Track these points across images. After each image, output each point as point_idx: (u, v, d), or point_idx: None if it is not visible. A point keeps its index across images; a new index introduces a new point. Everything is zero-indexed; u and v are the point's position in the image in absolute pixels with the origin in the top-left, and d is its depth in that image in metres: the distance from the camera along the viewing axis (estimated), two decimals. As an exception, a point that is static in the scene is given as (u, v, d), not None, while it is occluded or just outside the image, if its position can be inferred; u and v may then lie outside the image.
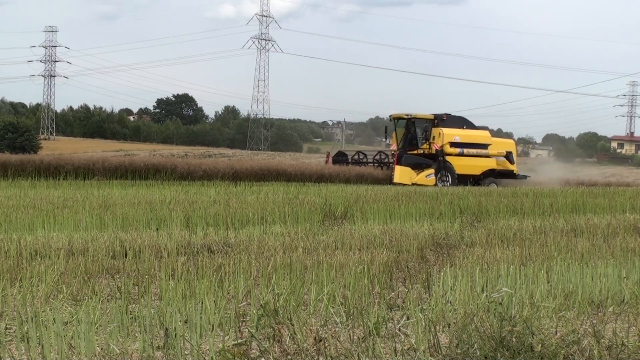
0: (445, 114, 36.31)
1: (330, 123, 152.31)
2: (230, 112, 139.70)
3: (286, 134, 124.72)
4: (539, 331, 4.87)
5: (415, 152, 35.34)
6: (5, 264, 7.49)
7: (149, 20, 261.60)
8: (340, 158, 37.12)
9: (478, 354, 4.62)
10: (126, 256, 8.56)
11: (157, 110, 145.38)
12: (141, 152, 76.53)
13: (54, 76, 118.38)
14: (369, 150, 39.96)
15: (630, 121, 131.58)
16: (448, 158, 35.11)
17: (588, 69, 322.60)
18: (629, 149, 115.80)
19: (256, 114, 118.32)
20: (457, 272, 6.87)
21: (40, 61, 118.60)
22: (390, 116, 37.15)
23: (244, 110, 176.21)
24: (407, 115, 36.05)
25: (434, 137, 35.55)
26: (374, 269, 7.44)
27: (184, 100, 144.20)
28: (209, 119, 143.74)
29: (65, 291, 6.37)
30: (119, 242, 9.13)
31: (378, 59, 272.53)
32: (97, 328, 5.08)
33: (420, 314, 5.23)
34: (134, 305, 5.91)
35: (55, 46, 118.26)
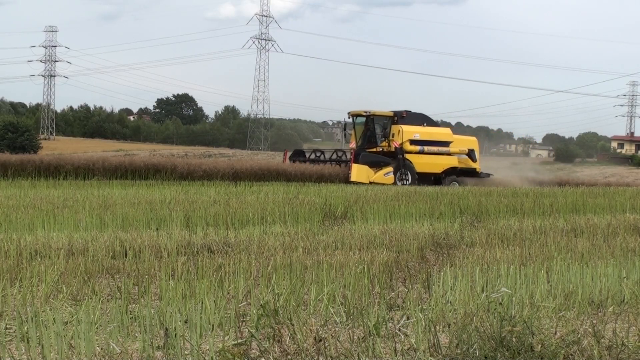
0: (405, 111, 35.48)
1: (330, 123, 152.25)
2: (230, 112, 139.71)
3: (286, 134, 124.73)
4: (539, 331, 4.87)
5: (374, 150, 34.53)
6: (5, 264, 7.49)
7: (149, 20, 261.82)
8: (298, 157, 36.29)
9: (478, 354, 4.62)
10: (126, 256, 8.56)
11: (157, 110, 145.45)
12: (141, 152, 76.56)
13: (54, 76, 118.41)
14: (327, 148, 39.05)
15: (630, 121, 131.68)
16: (408, 156, 34.34)
17: (588, 69, 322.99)
18: (629, 149, 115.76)
19: (256, 114, 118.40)
20: (457, 272, 6.87)
21: (40, 61, 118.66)
22: (348, 113, 36.34)
23: (244, 110, 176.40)
24: (366, 112, 35.19)
25: (393, 135, 34.80)
26: (374, 269, 7.44)
27: (184, 100, 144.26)
28: (209, 119, 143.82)
29: (65, 291, 6.36)
30: (119, 242, 9.13)
31: (378, 59, 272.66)
32: (97, 328, 5.08)
33: (420, 314, 5.23)
34: (134, 305, 5.91)
35: (55, 46, 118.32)
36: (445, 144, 35.69)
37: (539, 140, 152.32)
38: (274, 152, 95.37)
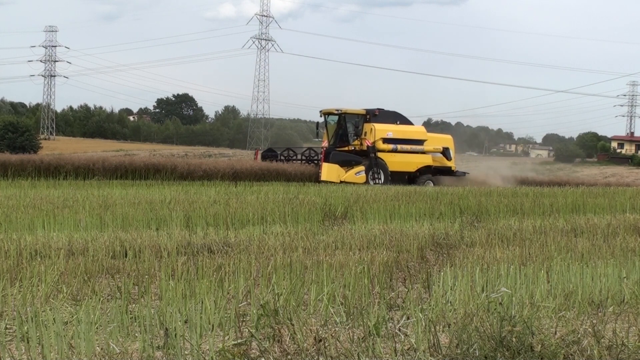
0: (378, 109, 34.99)
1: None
2: (230, 112, 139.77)
3: (286, 134, 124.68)
4: (539, 331, 4.87)
5: (346, 148, 34.05)
6: (5, 264, 7.49)
7: (149, 20, 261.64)
8: (269, 155, 35.75)
9: (478, 354, 4.62)
10: (126, 256, 8.56)
11: (157, 110, 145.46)
12: (141, 152, 76.60)
13: (54, 76, 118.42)
14: (298, 147, 38.32)
15: (630, 121, 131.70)
16: (381, 155, 33.76)
17: (588, 69, 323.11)
18: (629, 149, 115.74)
19: (256, 114, 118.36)
20: (457, 272, 6.87)
21: (40, 61, 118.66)
22: (320, 112, 35.89)
23: (244, 110, 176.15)
24: (337, 110, 34.66)
25: (365, 133, 34.21)
26: (374, 269, 7.44)
27: (184, 100, 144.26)
28: (209, 119, 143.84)
29: (65, 291, 6.36)
30: (119, 242, 9.13)
31: (378, 59, 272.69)
32: (97, 328, 5.08)
33: (420, 314, 5.23)
34: (134, 305, 5.91)
35: (55, 46, 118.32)
36: (419, 142, 35.19)
37: (539, 140, 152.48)
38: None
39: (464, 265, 7.81)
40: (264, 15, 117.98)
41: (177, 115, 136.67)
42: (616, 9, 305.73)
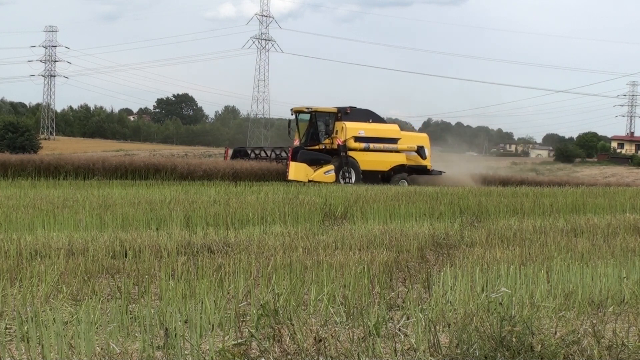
0: (350, 107, 34.44)
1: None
2: (230, 112, 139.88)
3: (286, 134, 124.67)
4: (539, 331, 4.87)
5: (317, 147, 33.49)
6: (5, 264, 7.49)
7: (149, 20, 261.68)
8: (240, 154, 35.31)
9: (478, 354, 4.62)
10: (126, 256, 8.56)
11: (157, 110, 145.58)
12: (141, 152, 76.64)
13: (54, 76, 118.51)
14: (269, 146, 37.19)
15: (630, 121, 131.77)
16: (353, 153, 33.32)
17: (588, 69, 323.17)
18: (629, 149, 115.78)
19: (256, 114, 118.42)
20: (457, 272, 6.87)
21: (40, 61, 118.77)
22: (291, 110, 35.51)
23: (244, 110, 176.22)
24: (308, 108, 34.25)
25: (337, 132, 33.80)
26: (374, 269, 7.44)
27: (184, 100, 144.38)
28: (209, 119, 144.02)
29: (65, 291, 6.37)
30: (119, 242, 9.13)
31: (378, 59, 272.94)
32: (97, 328, 5.08)
33: (420, 314, 5.23)
34: (134, 305, 5.91)
35: (55, 46, 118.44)
36: (393, 140, 34.70)
37: (539, 140, 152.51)
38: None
39: (464, 265, 7.81)
40: (264, 15, 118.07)
41: (177, 115, 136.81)
42: (616, 9, 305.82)
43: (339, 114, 34.08)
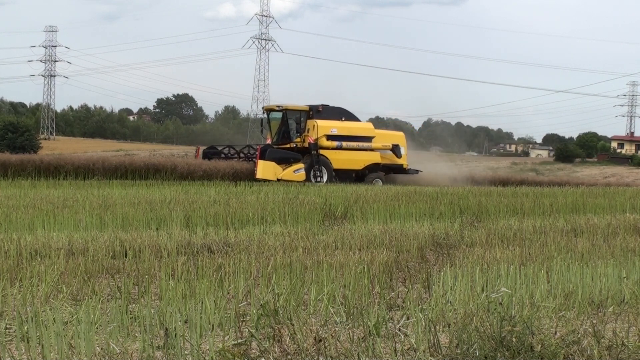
0: (322, 105, 33.88)
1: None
2: (230, 112, 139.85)
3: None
4: (539, 331, 4.87)
5: (288, 145, 32.97)
6: (5, 264, 7.49)
7: (149, 20, 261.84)
8: (211, 153, 34.55)
9: (478, 354, 4.62)
10: (126, 256, 8.56)
11: (157, 110, 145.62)
12: (141, 152, 76.59)
13: (54, 76, 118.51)
14: (239, 144, 37.56)
15: (630, 121, 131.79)
16: (325, 152, 32.72)
17: (588, 69, 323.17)
18: (629, 149, 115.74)
19: (256, 114, 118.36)
20: (457, 272, 6.87)
21: (40, 61, 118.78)
22: (263, 108, 34.77)
23: (244, 110, 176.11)
24: (279, 106, 33.74)
25: (308, 130, 33.16)
26: (374, 268, 7.44)
27: (184, 100, 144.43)
28: (209, 119, 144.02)
29: (65, 291, 6.37)
30: (119, 242, 9.13)
31: (378, 59, 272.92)
32: (97, 328, 5.08)
33: (420, 314, 5.23)
34: (134, 305, 5.91)
35: (55, 46, 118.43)
36: (367, 139, 34.19)
37: (539, 140, 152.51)
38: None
39: (464, 265, 7.81)
40: (264, 15, 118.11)
41: (177, 115, 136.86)
42: (616, 9, 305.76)
43: (311, 112, 33.58)
